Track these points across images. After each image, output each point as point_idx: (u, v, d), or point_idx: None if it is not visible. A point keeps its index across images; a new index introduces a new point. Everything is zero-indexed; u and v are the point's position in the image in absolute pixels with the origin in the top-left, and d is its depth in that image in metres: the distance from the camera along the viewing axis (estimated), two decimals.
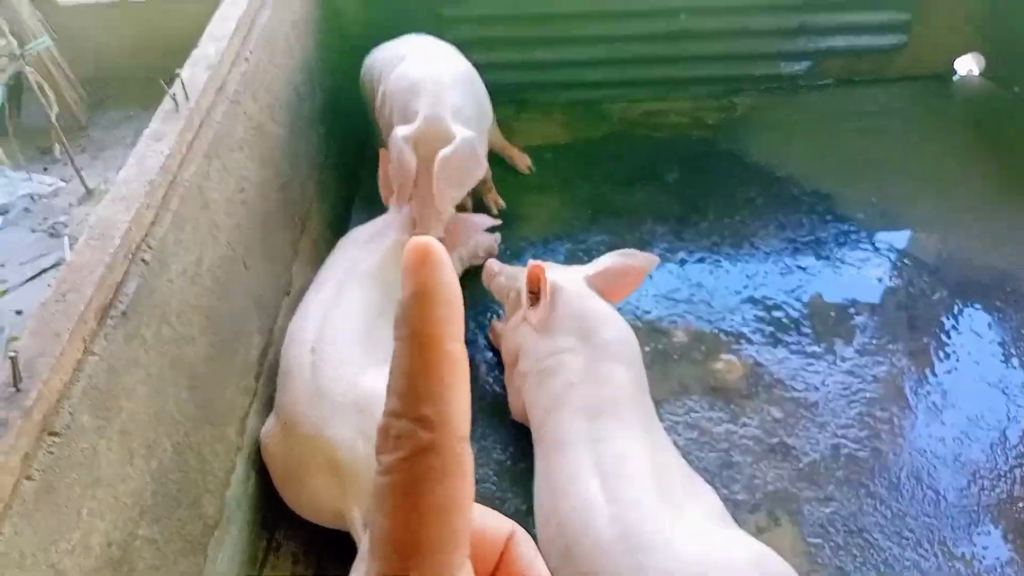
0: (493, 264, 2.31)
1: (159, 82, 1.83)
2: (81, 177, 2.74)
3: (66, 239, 2.57)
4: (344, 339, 1.95)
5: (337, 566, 1.93)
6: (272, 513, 2.00)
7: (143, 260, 1.54)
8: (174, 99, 1.81)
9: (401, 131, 2.21)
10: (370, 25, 3.21)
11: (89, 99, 3.17)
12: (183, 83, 1.84)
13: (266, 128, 2.21)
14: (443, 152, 2.14)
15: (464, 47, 3.19)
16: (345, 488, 1.79)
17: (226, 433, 1.81)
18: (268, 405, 2.01)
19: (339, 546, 1.92)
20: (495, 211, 2.82)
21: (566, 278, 2.05)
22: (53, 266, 2.49)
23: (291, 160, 2.38)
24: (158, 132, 1.74)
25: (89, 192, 2.75)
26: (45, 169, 2.93)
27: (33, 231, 2.64)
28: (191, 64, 1.97)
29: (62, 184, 2.84)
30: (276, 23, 2.36)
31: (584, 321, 1.90)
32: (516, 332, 2.06)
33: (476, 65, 3.09)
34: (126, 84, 3.31)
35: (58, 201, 2.77)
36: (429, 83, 2.35)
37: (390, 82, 2.46)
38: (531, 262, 2.01)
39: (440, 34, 3.18)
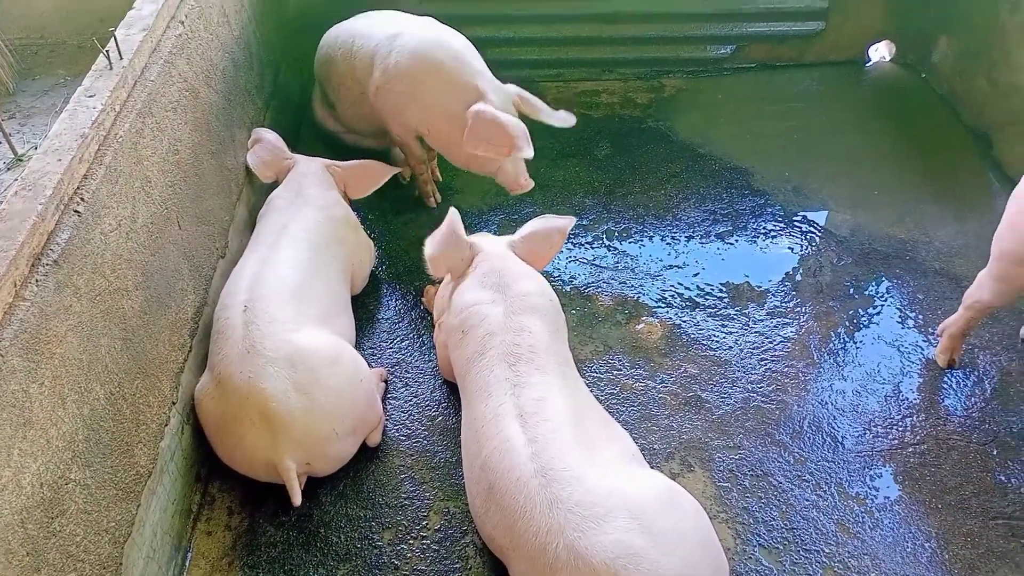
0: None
1: (90, 48, 1.84)
2: (10, 143, 2.70)
3: None
4: (276, 298, 2.00)
5: (270, 518, 1.99)
6: (206, 468, 2.05)
7: (75, 211, 1.57)
8: (107, 57, 1.83)
9: (486, 106, 2.36)
10: (307, 3, 3.24)
11: (18, 65, 3.11)
12: (117, 42, 1.86)
13: (201, 93, 2.23)
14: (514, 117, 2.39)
15: None
16: (277, 439, 1.85)
17: (160, 386, 1.85)
18: (202, 363, 2.05)
19: (272, 499, 1.99)
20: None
21: (488, 241, 2.15)
22: None
23: (227, 127, 2.41)
24: (91, 88, 1.77)
25: (17, 158, 2.72)
26: None
27: None
28: (125, 25, 2.00)
29: None
30: None
31: (502, 276, 2.01)
32: (445, 290, 2.16)
33: None
34: (56, 50, 3.26)
35: None
36: (470, 54, 2.50)
37: (401, 57, 2.49)
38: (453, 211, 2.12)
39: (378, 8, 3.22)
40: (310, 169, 2.48)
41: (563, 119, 2.51)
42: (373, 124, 2.78)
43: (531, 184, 2.53)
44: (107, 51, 1.83)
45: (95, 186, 1.64)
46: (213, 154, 2.28)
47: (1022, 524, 1.95)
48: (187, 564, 1.90)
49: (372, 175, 2.56)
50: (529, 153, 2.35)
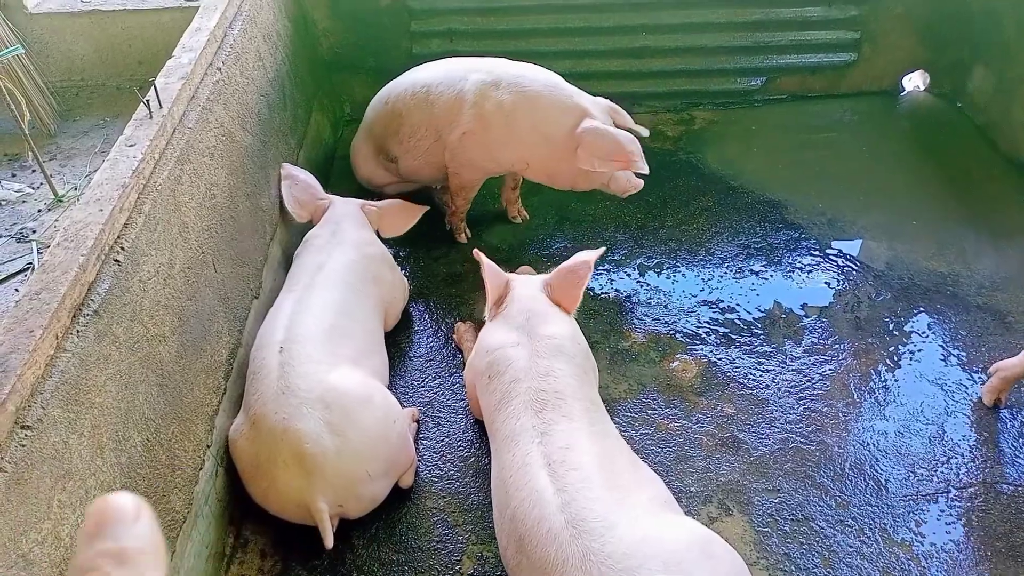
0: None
1: (129, 91, 1.90)
2: (51, 183, 2.77)
3: (34, 244, 2.60)
4: (310, 338, 2.01)
5: (303, 561, 1.98)
6: (239, 510, 2.05)
7: (116, 260, 1.60)
8: (148, 106, 1.87)
9: (595, 122, 2.43)
10: (340, 40, 3.29)
11: (59, 107, 3.20)
12: (157, 91, 1.90)
13: (236, 136, 2.27)
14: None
15: (433, 60, 3.27)
16: (311, 480, 1.85)
17: (195, 430, 1.86)
18: (237, 404, 2.06)
19: (305, 542, 1.97)
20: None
21: (522, 281, 2.15)
22: (21, 271, 2.52)
23: (261, 168, 2.45)
24: (131, 138, 1.81)
25: (58, 198, 2.78)
26: (14, 175, 2.95)
27: (0, 236, 2.66)
28: (165, 74, 2.04)
29: (30, 190, 2.86)
30: (247, 37, 2.44)
31: (529, 318, 2.00)
32: (474, 332, 2.16)
33: None
34: (96, 93, 3.35)
35: (26, 207, 2.80)
36: (557, 77, 2.54)
37: (502, 96, 2.49)
38: (476, 252, 2.19)
39: (409, 49, 3.28)
40: (346, 210, 2.51)
41: (644, 131, 2.60)
42: (438, 173, 2.77)
43: (641, 183, 2.60)
44: (147, 100, 1.87)
45: (135, 235, 1.67)
46: (248, 196, 2.31)
47: None
48: None
49: (406, 214, 2.59)
50: (645, 167, 2.40)
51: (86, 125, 3.21)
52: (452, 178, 2.74)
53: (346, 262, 2.28)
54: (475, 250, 2.18)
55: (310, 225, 2.52)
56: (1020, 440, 2.18)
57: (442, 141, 2.63)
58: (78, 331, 1.46)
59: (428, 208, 2.66)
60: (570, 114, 2.44)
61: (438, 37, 3.29)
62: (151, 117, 1.86)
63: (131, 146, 1.78)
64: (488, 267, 2.13)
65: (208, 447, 1.93)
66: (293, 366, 1.94)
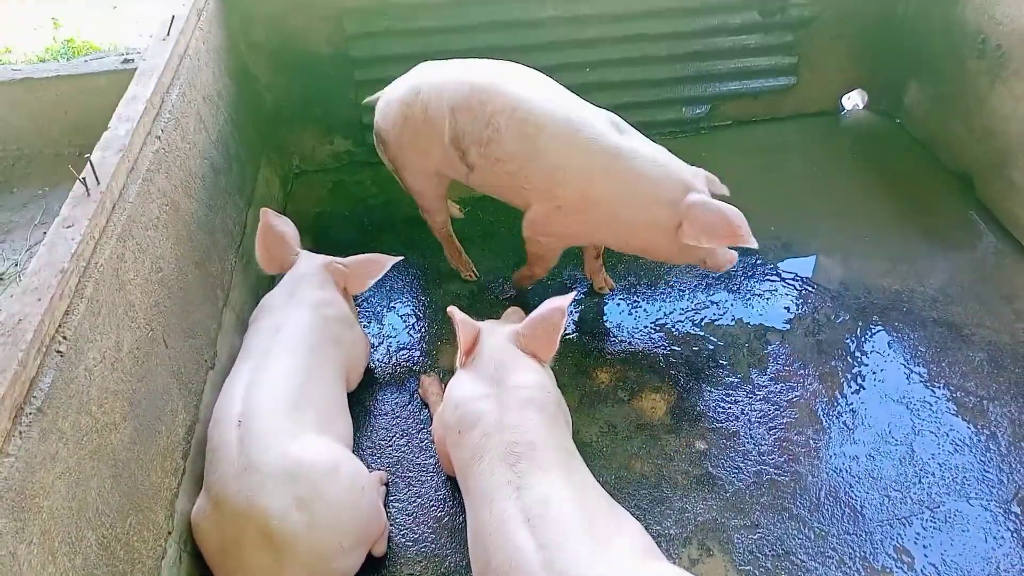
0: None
1: (68, 159, 1.82)
2: None
3: None
4: (269, 409, 1.94)
5: None
6: None
7: (58, 351, 1.53)
8: (84, 183, 1.80)
9: (701, 196, 2.27)
10: (284, 94, 3.25)
11: None
12: (93, 167, 1.84)
13: (181, 205, 2.21)
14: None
15: None
16: (281, 559, 1.77)
17: (154, 518, 1.78)
18: (197, 484, 1.98)
19: None
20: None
21: (491, 330, 2.11)
22: None
23: (208, 234, 2.38)
24: (69, 218, 1.73)
25: None
26: None
27: None
28: (102, 147, 1.97)
29: None
30: (187, 100, 2.38)
31: (497, 369, 1.97)
32: (439, 384, 2.13)
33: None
34: (33, 163, 3.25)
35: None
36: (639, 137, 2.36)
37: (608, 177, 2.26)
38: (451, 309, 2.14)
39: (355, 98, 3.25)
40: (308, 268, 2.40)
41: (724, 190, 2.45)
42: (512, 200, 2.51)
43: (737, 257, 2.42)
44: (83, 177, 1.81)
45: (77, 321, 1.59)
46: (196, 264, 2.25)
47: None
48: None
49: (372, 268, 2.48)
50: (754, 243, 2.23)
51: (24, 196, 3.11)
52: (531, 244, 2.52)
53: (304, 325, 2.21)
54: (449, 308, 2.13)
55: (266, 283, 2.44)
56: (987, 454, 2.20)
57: (528, 195, 2.37)
58: (20, 432, 1.38)
59: (400, 258, 2.56)
60: (674, 189, 2.26)
61: (384, 84, 3.26)
62: (88, 194, 1.80)
63: (69, 227, 1.71)
64: (461, 319, 2.09)
65: (169, 533, 1.84)
66: (253, 441, 1.87)
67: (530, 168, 2.30)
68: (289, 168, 3.41)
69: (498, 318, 2.39)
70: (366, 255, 2.49)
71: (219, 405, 2.03)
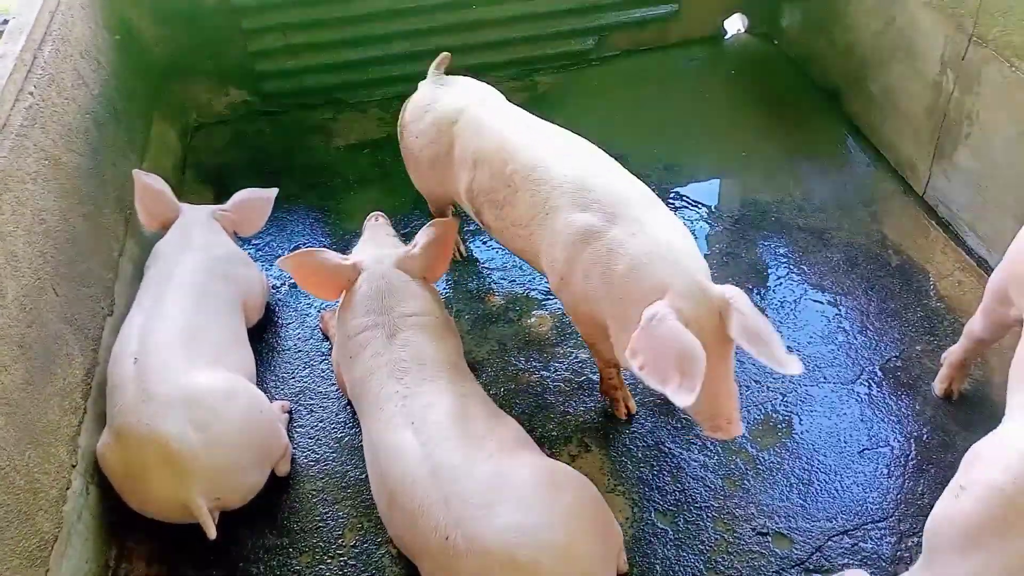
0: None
1: None
2: None
3: None
4: (165, 344, 2.05)
5: (189, 562, 2.04)
6: (121, 522, 2.08)
7: None
8: None
9: (668, 310, 1.67)
10: (172, 46, 3.25)
11: None
12: None
13: (62, 159, 2.26)
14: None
15: (270, 56, 3.27)
16: (183, 478, 1.90)
17: (56, 452, 1.89)
18: (101, 422, 2.09)
19: (190, 542, 2.03)
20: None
21: (374, 256, 2.22)
22: None
23: (99, 187, 2.44)
24: None
25: None
26: None
27: None
28: None
29: None
30: (61, 56, 2.40)
31: (384, 298, 2.09)
32: (336, 314, 2.26)
33: (285, 72, 3.08)
34: None
35: None
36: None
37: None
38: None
39: (244, 47, 3.27)
40: (196, 217, 2.51)
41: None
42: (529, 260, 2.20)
43: (738, 431, 1.78)
44: None
45: None
46: (85, 216, 2.31)
47: None
48: None
49: (256, 208, 2.60)
50: (690, 402, 1.57)
51: None
52: (579, 325, 2.12)
53: (194, 266, 2.31)
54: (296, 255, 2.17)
55: (159, 234, 2.51)
56: (837, 343, 2.43)
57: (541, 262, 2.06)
58: None
59: (275, 190, 2.63)
60: (654, 291, 1.73)
61: (272, 32, 3.30)
62: None
63: None
64: (320, 259, 2.16)
65: (73, 467, 1.96)
66: (150, 374, 1.98)
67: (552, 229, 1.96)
68: (188, 121, 3.43)
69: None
70: (242, 192, 2.60)
71: (116, 347, 2.13)
